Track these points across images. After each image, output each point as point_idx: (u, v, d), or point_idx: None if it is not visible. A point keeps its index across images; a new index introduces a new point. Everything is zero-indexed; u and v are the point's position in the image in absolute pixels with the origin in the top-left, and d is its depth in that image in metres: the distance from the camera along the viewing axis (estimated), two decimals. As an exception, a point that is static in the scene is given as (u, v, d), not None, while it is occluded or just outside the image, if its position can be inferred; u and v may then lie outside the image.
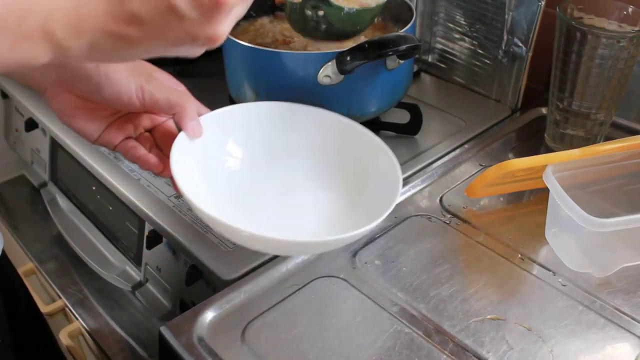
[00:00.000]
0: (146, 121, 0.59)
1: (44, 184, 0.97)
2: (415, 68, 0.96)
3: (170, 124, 0.60)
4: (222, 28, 0.40)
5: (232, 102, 0.80)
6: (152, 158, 0.57)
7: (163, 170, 0.57)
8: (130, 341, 0.77)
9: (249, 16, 0.84)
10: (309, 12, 0.70)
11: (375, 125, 0.82)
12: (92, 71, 0.51)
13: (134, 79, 0.53)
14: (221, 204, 0.59)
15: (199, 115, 0.59)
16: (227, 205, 0.60)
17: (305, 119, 0.66)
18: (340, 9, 0.69)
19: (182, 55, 0.42)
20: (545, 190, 0.61)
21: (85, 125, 0.56)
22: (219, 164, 0.63)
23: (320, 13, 0.69)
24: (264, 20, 0.83)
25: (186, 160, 0.56)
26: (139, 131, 0.59)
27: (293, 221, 0.61)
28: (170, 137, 0.57)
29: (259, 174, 0.65)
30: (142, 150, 0.57)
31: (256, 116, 0.65)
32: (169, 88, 0.55)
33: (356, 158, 0.64)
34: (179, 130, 0.57)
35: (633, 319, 0.55)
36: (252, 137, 0.65)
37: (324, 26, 0.71)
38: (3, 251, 0.65)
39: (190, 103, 0.56)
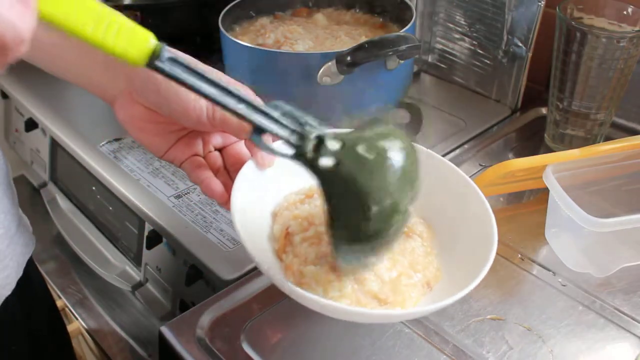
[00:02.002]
0: (217, 139, 0.54)
1: (44, 184, 0.97)
2: (415, 68, 0.96)
3: (243, 145, 0.54)
4: None
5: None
6: (216, 185, 0.51)
7: (227, 201, 0.50)
8: (130, 341, 0.77)
9: (249, 16, 0.84)
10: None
11: (375, 125, 0.82)
12: (162, 83, 0.48)
13: None
14: None
15: (274, 140, 0.52)
16: None
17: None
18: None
19: None
20: (545, 190, 0.61)
21: (153, 140, 0.53)
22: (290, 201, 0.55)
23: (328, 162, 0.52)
24: (264, 21, 0.83)
25: (252, 193, 0.50)
26: (208, 149, 0.54)
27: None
28: (240, 162, 0.51)
29: None
30: (207, 173, 0.52)
31: None
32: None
33: (444, 204, 0.54)
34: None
35: (633, 319, 0.55)
36: None
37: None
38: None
39: None
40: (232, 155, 0.54)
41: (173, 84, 0.45)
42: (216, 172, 0.53)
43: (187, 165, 0.53)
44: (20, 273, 0.59)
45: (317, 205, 0.53)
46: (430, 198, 0.53)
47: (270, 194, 0.53)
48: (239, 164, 0.51)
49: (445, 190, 0.53)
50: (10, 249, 0.57)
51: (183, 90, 0.47)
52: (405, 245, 0.51)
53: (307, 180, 0.54)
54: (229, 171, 0.54)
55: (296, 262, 0.49)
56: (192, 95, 0.48)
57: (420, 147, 0.53)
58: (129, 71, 0.50)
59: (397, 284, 0.48)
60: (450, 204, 0.53)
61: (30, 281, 0.65)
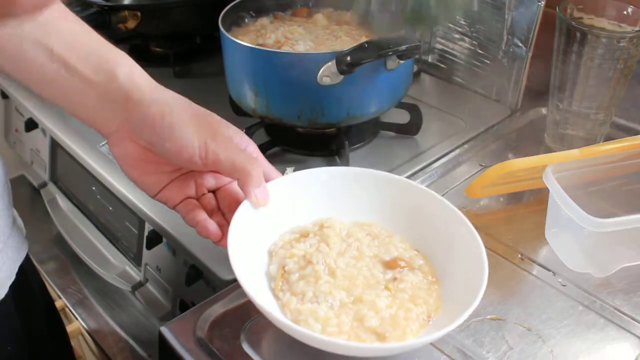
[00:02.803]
0: (210, 181, 0.55)
1: (44, 184, 0.97)
2: (415, 68, 0.96)
3: (236, 186, 0.54)
4: None
5: (232, 102, 0.81)
6: (211, 225, 0.52)
7: (222, 239, 0.52)
8: (130, 341, 0.77)
9: (249, 17, 0.84)
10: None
11: (375, 125, 0.82)
12: (157, 120, 0.49)
13: (198, 134, 0.49)
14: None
15: (268, 180, 0.54)
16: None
17: (377, 185, 0.58)
18: None
19: None
20: (545, 190, 0.61)
21: (145, 179, 0.53)
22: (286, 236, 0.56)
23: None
24: (265, 21, 0.83)
25: (248, 232, 0.51)
26: (202, 191, 0.55)
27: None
28: (235, 202, 0.52)
29: None
30: (202, 215, 0.52)
31: (332, 180, 0.58)
32: (234, 149, 0.51)
33: (435, 235, 0.55)
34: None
35: (633, 319, 0.55)
36: (326, 205, 0.58)
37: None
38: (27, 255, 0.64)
39: (256, 168, 0.50)
40: (225, 196, 0.55)
41: (167, 123, 0.48)
42: (210, 214, 0.54)
43: (181, 208, 0.54)
44: (12, 277, 0.59)
45: (313, 244, 0.54)
46: (421, 229, 0.56)
47: (266, 233, 0.55)
48: (233, 205, 0.52)
49: (434, 219, 0.55)
50: (4, 253, 0.57)
51: (177, 129, 0.49)
52: (406, 279, 0.52)
53: (302, 219, 0.57)
54: (223, 212, 0.55)
55: (294, 300, 0.50)
56: (187, 135, 0.49)
57: (401, 179, 0.57)
58: (126, 108, 0.51)
59: (396, 318, 0.49)
60: (440, 233, 0.54)
61: (27, 282, 0.65)
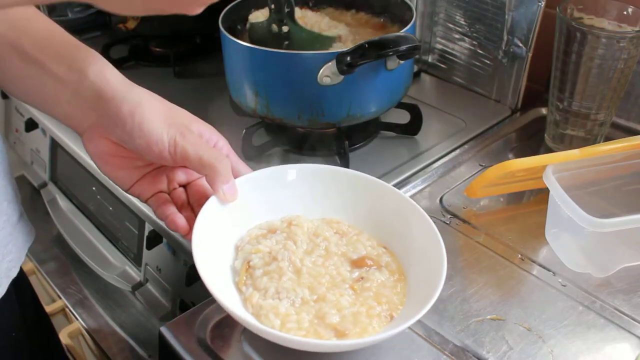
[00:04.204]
0: (181, 176, 0.56)
1: (44, 184, 0.97)
2: (415, 68, 0.96)
3: (205, 181, 0.55)
4: None
5: (232, 102, 0.81)
6: (179, 219, 0.53)
7: (189, 233, 0.52)
8: (130, 341, 0.77)
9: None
10: (274, 29, 0.74)
11: (375, 125, 0.82)
12: (127, 118, 0.50)
13: (167, 131, 0.51)
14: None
15: (237, 175, 0.55)
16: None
17: (346, 183, 0.59)
18: (303, 29, 0.75)
19: (181, 10, 0.39)
20: (545, 191, 0.61)
21: (118, 174, 0.54)
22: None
23: (285, 29, 0.73)
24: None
25: (215, 226, 0.52)
26: (173, 186, 0.56)
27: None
28: (203, 197, 0.54)
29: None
30: (171, 209, 0.54)
31: (302, 177, 0.59)
32: (203, 145, 0.52)
33: (397, 229, 0.56)
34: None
35: (633, 319, 0.55)
36: (295, 202, 0.59)
37: (286, 42, 0.74)
38: None
39: (223, 164, 0.51)
40: (195, 191, 0.56)
41: (138, 120, 0.49)
42: (180, 208, 0.55)
43: (152, 201, 0.55)
44: (22, 259, 0.60)
45: (279, 241, 0.55)
46: (387, 225, 0.57)
47: (233, 228, 0.56)
48: (202, 200, 0.53)
49: (397, 215, 0.56)
50: (14, 236, 0.58)
51: (146, 126, 0.50)
52: (372, 278, 0.53)
53: (270, 215, 0.58)
54: (192, 206, 0.56)
55: (256, 295, 0.51)
56: (156, 131, 0.51)
57: (365, 176, 0.58)
58: (98, 106, 0.52)
59: (358, 316, 0.50)
60: (403, 229, 0.55)
61: (18, 286, 0.65)
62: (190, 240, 0.50)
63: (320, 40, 0.76)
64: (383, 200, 0.57)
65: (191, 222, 0.53)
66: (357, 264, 0.54)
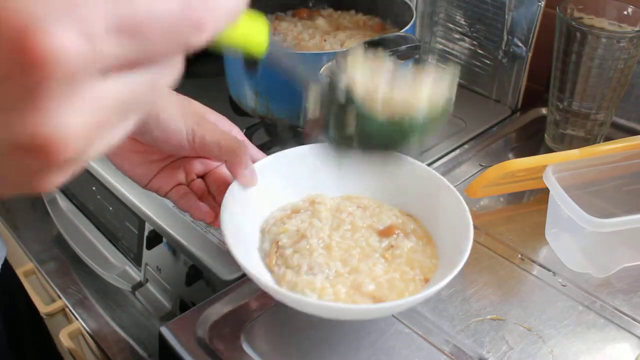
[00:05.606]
0: (198, 167, 0.57)
1: (44, 184, 0.97)
2: (416, 68, 0.96)
3: (224, 169, 0.56)
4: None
5: (232, 102, 0.80)
6: (203, 207, 0.54)
7: (215, 220, 0.53)
8: (130, 341, 0.77)
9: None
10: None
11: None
12: None
13: (184, 121, 0.51)
14: None
15: (254, 160, 0.55)
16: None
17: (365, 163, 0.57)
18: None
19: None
20: (545, 191, 0.61)
21: (135, 169, 0.54)
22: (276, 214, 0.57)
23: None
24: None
25: (239, 211, 0.52)
26: (191, 177, 0.56)
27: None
28: (224, 184, 0.54)
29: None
30: (193, 199, 0.54)
31: (316, 157, 0.58)
32: (220, 132, 0.52)
33: (424, 203, 0.57)
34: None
35: (633, 319, 0.55)
36: (313, 182, 0.59)
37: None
38: (5, 258, 0.64)
39: (242, 149, 0.52)
40: (214, 180, 0.56)
41: (154, 113, 0.49)
42: (201, 198, 0.55)
43: (172, 194, 0.55)
44: None
45: (305, 220, 0.55)
46: (407, 194, 0.58)
47: (256, 212, 0.56)
48: (222, 187, 0.53)
49: (417, 182, 0.57)
50: None
51: (164, 116, 0.50)
52: (402, 245, 0.53)
53: (291, 197, 0.57)
54: (213, 195, 0.56)
55: (289, 273, 0.50)
56: (173, 122, 0.50)
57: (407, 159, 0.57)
58: None
59: (393, 281, 0.50)
60: (424, 195, 0.56)
61: (7, 291, 0.65)
62: (216, 227, 0.50)
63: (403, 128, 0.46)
64: (401, 171, 0.57)
65: (214, 210, 0.54)
66: (385, 233, 0.54)
